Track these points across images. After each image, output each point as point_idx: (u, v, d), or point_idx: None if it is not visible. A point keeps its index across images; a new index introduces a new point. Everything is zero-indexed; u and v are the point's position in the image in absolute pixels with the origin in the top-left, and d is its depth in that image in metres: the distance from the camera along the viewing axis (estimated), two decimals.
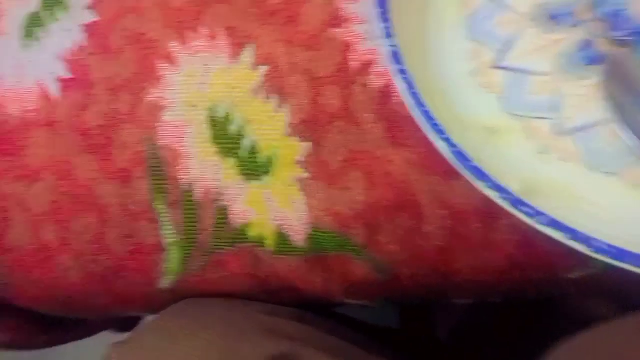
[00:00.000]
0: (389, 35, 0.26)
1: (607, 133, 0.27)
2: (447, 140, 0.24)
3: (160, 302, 0.36)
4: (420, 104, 0.25)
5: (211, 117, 0.32)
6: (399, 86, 0.25)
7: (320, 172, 0.31)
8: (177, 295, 0.35)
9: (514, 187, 0.24)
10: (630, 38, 0.29)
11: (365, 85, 0.31)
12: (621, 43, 0.29)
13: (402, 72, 0.25)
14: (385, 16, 0.27)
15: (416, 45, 0.30)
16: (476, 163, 0.23)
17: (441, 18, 0.31)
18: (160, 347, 0.31)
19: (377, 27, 0.27)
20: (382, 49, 0.26)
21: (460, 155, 0.24)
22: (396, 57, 0.26)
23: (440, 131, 0.24)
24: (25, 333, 0.41)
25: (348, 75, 0.31)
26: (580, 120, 0.28)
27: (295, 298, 0.35)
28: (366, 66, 0.31)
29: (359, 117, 0.31)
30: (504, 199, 0.23)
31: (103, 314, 0.41)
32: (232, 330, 0.32)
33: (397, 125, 0.30)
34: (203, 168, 0.32)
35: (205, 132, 0.32)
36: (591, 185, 0.27)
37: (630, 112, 0.26)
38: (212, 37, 0.33)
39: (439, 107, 0.28)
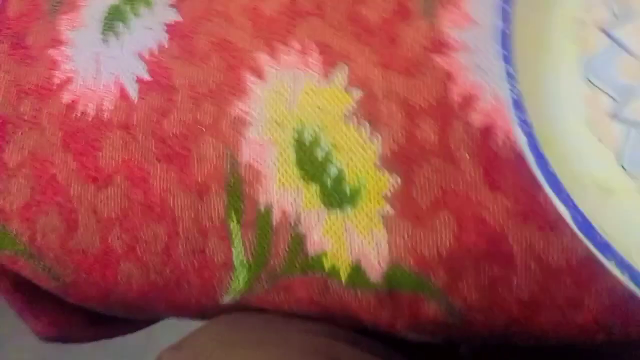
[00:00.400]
0: (512, 79, 0.24)
1: None
2: (574, 209, 0.22)
3: (215, 312, 0.35)
4: (544, 164, 0.23)
5: (297, 139, 0.30)
6: (520, 138, 0.23)
7: (408, 209, 0.29)
8: (234, 309, 0.35)
9: (637, 260, 0.22)
10: None
11: (466, 121, 0.29)
12: None
13: (525, 123, 0.23)
14: (508, 57, 0.25)
15: (530, 87, 0.28)
16: (605, 238, 0.21)
17: (558, 58, 0.28)
18: (216, 356, 0.31)
19: (501, 68, 0.25)
20: (504, 94, 0.24)
21: (588, 228, 0.22)
22: (518, 105, 0.24)
23: (566, 199, 0.22)
24: (73, 326, 0.41)
25: (448, 108, 0.29)
26: None
27: (353, 325, 0.34)
28: (469, 100, 0.29)
29: (456, 155, 0.29)
30: (632, 280, 0.21)
31: (156, 317, 0.40)
32: (289, 350, 0.31)
33: (498, 169, 0.28)
34: (283, 191, 0.30)
35: (290, 154, 0.30)
36: None
37: None
38: (304, 53, 0.31)
39: (551, 159, 0.27)
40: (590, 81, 0.28)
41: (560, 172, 0.26)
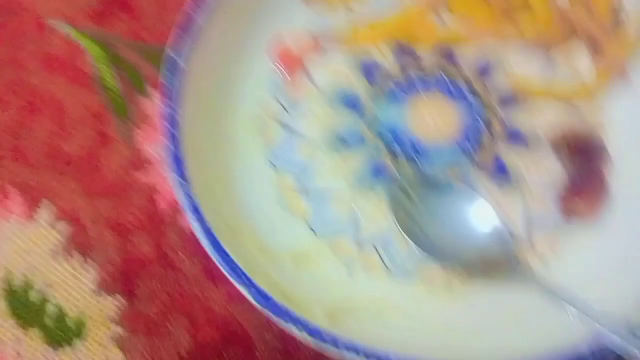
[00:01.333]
0: (183, 187, 0.27)
1: (401, 240, 0.30)
2: (249, 283, 0.24)
3: None
4: (219, 249, 0.25)
5: (7, 289, 0.29)
6: (198, 235, 0.26)
7: (138, 324, 0.29)
8: None
9: (319, 316, 0.25)
10: (407, 152, 0.33)
11: (176, 225, 0.31)
12: (402, 156, 0.33)
13: (198, 221, 0.26)
14: (178, 166, 0.27)
15: (221, 182, 0.30)
16: (281, 301, 0.24)
17: (245, 151, 0.32)
18: None
19: (171, 177, 0.27)
20: (178, 198, 0.27)
21: (261, 296, 0.24)
22: (191, 207, 0.26)
23: (239, 275, 0.24)
24: None
25: (159, 219, 0.31)
26: (377, 232, 0.30)
27: None
28: (175, 206, 0.31)
29: (173, 259, 0.30)
30: (307, 334, 0.24)
31: None
32: None
33: (213, 262, 0.30)
34: (3, 346, 0.28)
35: (2, 306, 0.28)
36: (395, 291, 0.28)
37: (407, 222, 0.29)
38: (5, 198, 0.31)
39: (247, 244, 0.29)
40: (274, 165, 0.32)
41: (255, 252, 0.29)
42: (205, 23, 0.32)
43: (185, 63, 0.31)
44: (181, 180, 0.27)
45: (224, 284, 0.30)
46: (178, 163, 0.28)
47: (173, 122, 0.29)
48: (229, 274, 0.25)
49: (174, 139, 0.28)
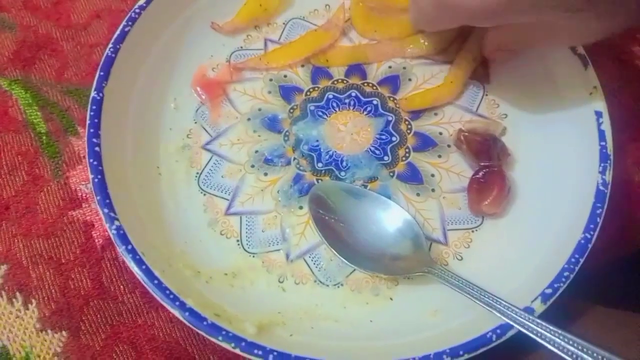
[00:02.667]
0: (111, 219, 0.28)
1: (329, 252, 0.32)
2: (180, 305, 0.26)
3: None
4: (150, 276, 0.27)
5: None
6: (130, 265, 0.27)
7: (84, 357, 0.30)
8: None
9: (250, 330, 0.27)
10: (328, 167, 0.35)
11: (113, 258, 0.32)
12: (323, 172, 0.35)
13: (130, 251, 0.27)
14: (105, 200, 0.29)
15: (152, 211, 0.32)
16: (213, 320, 0.26)
17: (176, 180, 0.34)
18: None
19: (101, 212, 0.28)
20: (108, 230, 0.28)
21: (193, 317, 0.26)
22: (120, 237, 0.28)
23: (171, 298, 0.26)
24: None
25: (94, 252, 0.32)
26: (306, 245, 0.32)
27: None
28: (111, 239, 0.32)
29: (114, 291, 0.31)
30: (237, 347, 0.26)
31: None
32: None
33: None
34: None
35: None
36: (325, 301, 0.31)
37: (331, 235, 0.31)
38: None
39: (180, 267, 0.30)
40: (204, 190, 0.34)
41: (190, 275, 0.30)
42: (126, 62, 0.34)
43: (108, 101, 0.33)
44: (109, 214, 0.29)
45: (165, 310, 0.31)
46: (105, 198, 0.29)
47: (98, 157, 0.31)
48: (161, 298, 0.27)
49: (100, 173, 0.30)
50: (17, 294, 0.31)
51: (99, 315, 0.31)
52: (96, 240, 0.33)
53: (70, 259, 0.32)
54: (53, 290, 0.31)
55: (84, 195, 0.34)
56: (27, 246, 0.32)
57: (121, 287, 0.32)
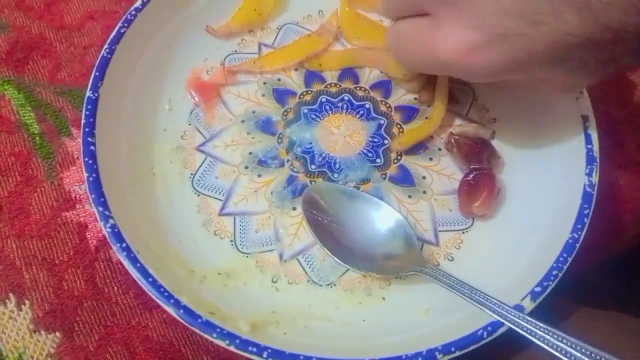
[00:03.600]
0: (105, 217, 0.28)
1: (322, 253, 0.32)
2: (175, 303, 0.26)
3: None
4: (145, 275, 0.27)
5: None
6: (125, 263, 0.27)
7: (78, 358, 0.30)
8: None
9: (244, 328, 0.27)
10: (321, 169, 0.36)
11: (107, 259, 0.32)
12: (316, 174, 0.35)
13: (124, 248, 0.27)
14: (100, 199, 0.29)
15: (147, 211, 0.32)
16: (207, 318, 0.26)
17: (170, 181, 0.34)
18: None
19: (96, 210, 0.28)
20: (103, 230, 0.28)
21: (188, 315, 0.26)
22: (114, 235, 0.28)
23: (166, 297, 0.26)
24: None
25: (88, 253, 0.32)
26: (299, 246, 0.33)
27: None
28: (106, 240, 0.32)
29: (108, 292, 0.31)
30: (231, 344, 0.26)
31: None
32: None
33: (146, 291, 0.31)
34: None
35: None
36: (318, 301, 0.31)
37: (324, 235, 0.32)
38: None
39: (175, 267, 0.31)
40: (198, 191, 0.34)
41: (183, 274, 0.31)
42: (121, 63, 0.35)
43: (104, 101, 0.33)
44: (104, 212, 0.29)
45: (159, 311, 0.31)
46: (100, 196, 0.29)
47: (93, 156, 0.31)
48: (156, 297, 0.27)
49: (95, 172, 0.30)
50: (10, 294, 0.31)
51: (92, 316, 0.31)
52: (90, 242, 0.33)
53: (64, 260, 0.32)
54: (47, 291, 0.31)
55: (77, 196, 0.34)
56: (21, 247, 0.32)
57: (115, 288, 0.32)
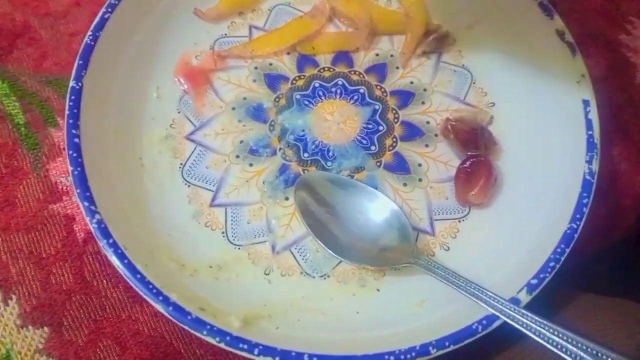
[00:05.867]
0: (91, 212, 0.28)
1: (315, 244, 0.32)
2: (164, 299, 0.26)
3: None
4: (133, 270, 0.26)
5: None
6: (112, 259, 0.27)
7: (67, 352, 0.29)
8: None
9: (235, 324, 0.27)
10: (314, 157, 0.35)
11: (96, 252, 0.31)
12: (309, 162, 0.35)
13: (112, 245, 0.27)
14: (85, 192, 0.28)
15: (136, 203, 0.31)
16: (197, 313, 0.25)
17: (160, 170, 0.33)
18: None
19: (81, 205, 0.28)
20: (89, 224, 0.27)
21: (176, 311, 0.25)
22: (101, 231, 0.27)
23: (154, 293, 0.26)
24: None
25: (76, 246, 0.31)
26: (292, 237, 0.32)
27: None
28: (91, 233, 0.31)
29: (97, 286, 0.31)
30: (222, 342, 0.26)
31: None
32: None
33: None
34: None
35: None
36: (311, 293, 0.30)
37: (317, 227, 0.31)
38: None
39: (164, 261, 0.30)
40: (188, 181, 0.33)
41: (173, 268, 0.30)
42: (106, 50, 0.33)
43: (88, 91, 0.32)
44: (90, 207, 0.28)
45: (149, 304, 0.30)
46: (85, 191, 0.29)
47: (78, 148, 0.30)
48: (144, 293, 0.27)
49: (80, 165, 0.29)
50: None
51: (81, 311, 0.30)
52: (78, 234, 0.32)
53: (52, 253, 0.31)
54: (34, 286, 0.30)
55: (64, 188, 0.33)
56: (7, 240, 0.31)
57: (104, 281, 0.31)
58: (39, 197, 0.33)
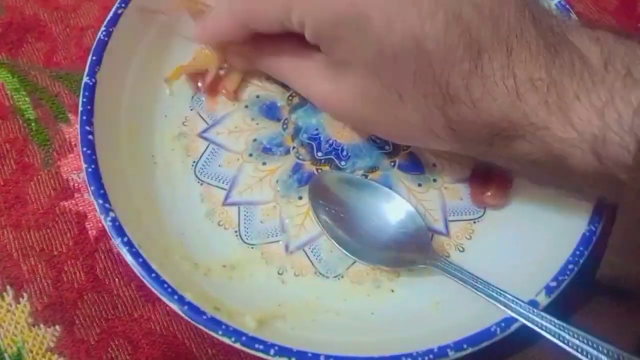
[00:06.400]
0: (105, 210, 0.27)
1: (329, 244, 0.31)
2: (179, 298, 0.26)
3: None
4: (147, 269, 0.26)
5: None
6: (127, 258, 0.26)
7: (79, 352, 0.29)
8: None
9: (250, 324, 0.26)
10: (328, 156, 0.34)
11: (108, 250, 0.31)
12: (323, 162, 0.34)
13: (126, 244, 0.26)
14: (98, 189, 0.28)
15: (149, 201, 0.31)
16: (212, 313, 0.25)
17: (172, 169, 0.33)
18: None
19: (95, 203, 0.27)
20: (102, 221, 0.27)
21: (192, 310, 0.25)
22: (115, 229, 0.27)
23: (169, 292, 0.26)
24: None
25: (88, 244, 0.31)
26: (305, 236, 0.32)
27: None
28: (103, 231, 0.31)
29: (108, 283, 0.30)
30: (237, 342, 0.25)
31: None
32: None
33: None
34: None
35: None
36: (325, 293, 0.30)
37: (332, 226, 0.31)
38: None
39: (178, 260, 0.30)
40: (200, 180, 0.33)
41: (187, 269, 0.30)
42: (120, 46, 0.33)
43: (102, 87, 0.32)
44: (104, 205, 0.28)
45: (161, 304, 0.30)
46: (100, 188, 0.28)
47: (92, 145, 0.30)
48: (159, 292, 0.26)
49: (94, 162, 0.29)
50: (8, 287, 0.30)
51: (93, 309, 0.30)
52: (89, 232, 0.32)
53: (63, 251, 0.31)
54: (45, 284, 0.30)
55: (76, 185, 0.33)
56: (17, 238, 0.31)
57: (116, 280, 0.31)
58: (50, 194, 0.32)
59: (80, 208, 0.32)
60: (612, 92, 0.23)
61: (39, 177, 0.33)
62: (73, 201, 0.32)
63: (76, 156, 0.34)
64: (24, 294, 0.30)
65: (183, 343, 0.30)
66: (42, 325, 0.29)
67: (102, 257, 0.31)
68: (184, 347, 0.30)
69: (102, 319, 0.30)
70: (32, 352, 0.29)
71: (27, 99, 0.35)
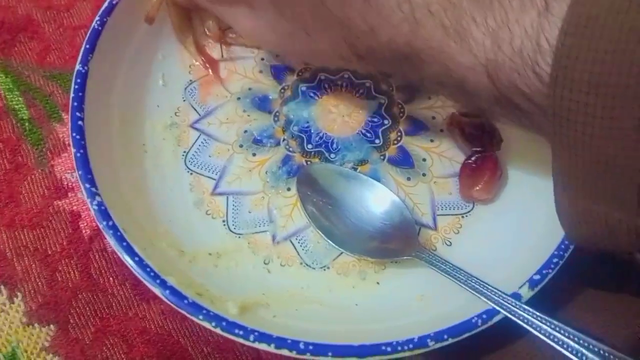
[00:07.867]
0: (92, 194, 0.28)
1: (316, 235, 0.31)
2: (161, 283, 0.26)
3: None
4: (131, 253, 0.26)
5: None
6: (110, 241, 0.26)
7: (73, 350, 0.29)
8: None
9: (232, 310, 0.26)
10: (318, 149, 0.34)
11: (102, 249, 0.31)
12: (313, 154, 0.34)
13: (111, 227, 0.27)
14: (88, 176, 0.28)
15: (138, 190, 0.31)
16: (194, 299, 0.25)
17: (162, 160, 0.33)
18: None
19: (82, 187, 0.28)
20: (90, 208, 0.27)
21: (174, 295, 0.25)
22: (101, 213, 0.27)
23: (152, 276, 0.26)
24: None
25: (82, 243, 0.31)
26: (293, 227, 0.32)
27: None
28: (97, 230, 0.31)
29: (102, 282, 0.31)
30: (217, 327, 0.25)
31: None
32: None
33: (143, 283, 0.29)
34: None
35: None
36: (310, 283, 0.30)
37: (319, 218, 0.31)
38: None
39: (164, 247, 0.30)
40: (190, 169, 0.33)
41: (173, 256, 0.30)
42: (113, 36, 0.33)
43: (94, 75, 0.32)
44: (91, 189, 0.28)
45: (156, 302, 0.30)
46: (87, 173, 0.29)
47: (81, 131, 0.30)
48: (141, 276, 0.26)
49: (82, 147, 0.29)
50: (2, 287, 0.30)
51: (88, 308, 0.30)
52: (83, 231, 0.32)
53: (57, 251, 0.31)
54: (39, 283, 0.30)
55: (69, 184, 0.33)
56: (11, 237, 0.31)
57: (110, 279, 0.31)
58: (43, 194, 0.33)
59: (74, 207, 0.32)
60: (508, 13, 0.22)
61: (33, 176, 0.33)
62: (67, 200, 0.33)
63: (70, 155, 0.34)
64: (18, 294, 0.30)
65: (178, 341, 0.30)
66: (36, 325, 0.29)
67: (97, 256, 0.31)
68: (178, 345, 0.30)
69: (97, 318, 0.30)
70: (26, 351, 0.29)
71: (20, 98, 0.35)
